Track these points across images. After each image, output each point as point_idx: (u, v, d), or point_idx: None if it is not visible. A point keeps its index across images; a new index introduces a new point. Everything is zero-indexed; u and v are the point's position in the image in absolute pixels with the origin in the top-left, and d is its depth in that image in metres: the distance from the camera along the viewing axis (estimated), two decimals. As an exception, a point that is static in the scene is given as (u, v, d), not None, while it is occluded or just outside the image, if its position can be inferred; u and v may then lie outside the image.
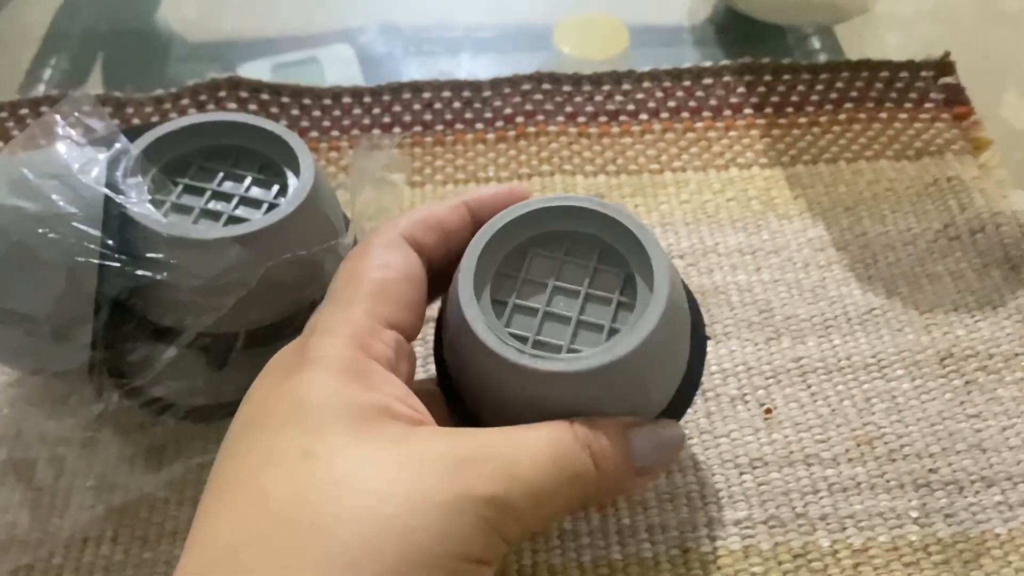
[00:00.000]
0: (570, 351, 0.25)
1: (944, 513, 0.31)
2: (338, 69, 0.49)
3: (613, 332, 0.25)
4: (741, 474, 0.32)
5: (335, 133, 0.43)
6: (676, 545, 0.30)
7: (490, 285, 0.26)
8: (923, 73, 0.45)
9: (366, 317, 0.23)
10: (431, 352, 0.32)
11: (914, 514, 0.31)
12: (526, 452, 0.21)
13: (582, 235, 0.27)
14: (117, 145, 0.30)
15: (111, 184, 0.28)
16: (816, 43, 0.51)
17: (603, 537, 0.30)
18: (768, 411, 0.33)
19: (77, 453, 0.31)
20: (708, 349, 0.30)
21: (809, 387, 0.34)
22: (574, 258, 0.27)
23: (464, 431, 0.22)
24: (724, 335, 0.35)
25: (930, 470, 0.32)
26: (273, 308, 0.30)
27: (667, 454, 0.25)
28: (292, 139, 0.31)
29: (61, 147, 0.29)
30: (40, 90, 0.48)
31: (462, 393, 0.27)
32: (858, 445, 0.32)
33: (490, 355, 0.24)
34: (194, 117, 0.32)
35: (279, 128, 0.32)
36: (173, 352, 0.28)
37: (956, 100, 0.44)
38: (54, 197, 0.27)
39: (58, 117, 0.30)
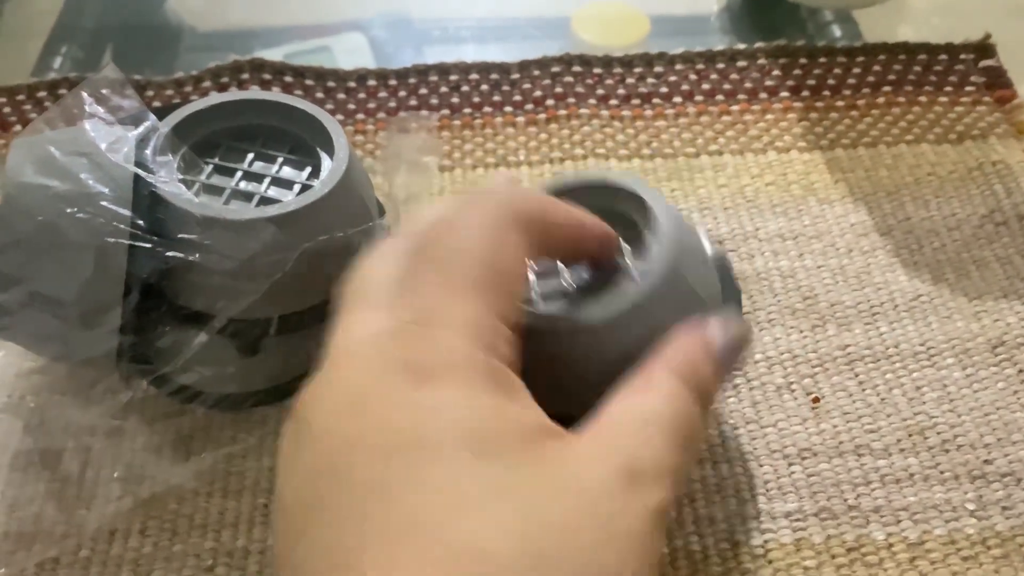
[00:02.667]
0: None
1: (1001, 505, 0.30)
2: (350, 58, 0.48)
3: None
4: (790, 465, 0.31)
5: (360, 116, 0.42)
6: (725, 538, 0.29)
7: None
8: (963, 56, 0.44)
9: (488, 312, 0.20)
10: None
11: (971, 506, 0.30)
12: (661, 438, 0.20)
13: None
14: (146, 123, 0.29)
15: (140, 163, 0.27)
16: (837, 31, 0.50)
17: (648, 530, 0.29)
18: (816, 400, 0.32)
19: (103, 443, 0.30)
20: (752, 336, 0.30)
21: (857, 375, 0.33)
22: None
23: (596, 431, 0.20)
24: (768, 322, 0.34)
25: (985, 461, 0.31)
26: (307, 293, 0.28)
27: (741, 350, 0.24)
28: (325, 119, 0.30)
29: (88, 125, 0.28)
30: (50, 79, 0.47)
31: None
32: (909, 435, 0.31)
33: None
34: (224, 95, 0.31)
35: (312, 107, 0.31)
36: (203, 338, 0.27)
37: (998, 83, 0.43)
38: (82, 176, 0.26)
39: (85, 95, 0.29)
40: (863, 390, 0.32)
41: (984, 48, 0.44)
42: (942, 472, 0.30)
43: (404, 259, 0.21)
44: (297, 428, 0.19)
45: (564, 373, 0.24)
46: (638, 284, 0.24)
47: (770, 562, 0.28)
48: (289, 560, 0.18)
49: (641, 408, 0.20)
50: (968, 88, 0.43)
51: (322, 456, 0.18)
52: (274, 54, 0.47)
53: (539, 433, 0.19)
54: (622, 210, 0.26)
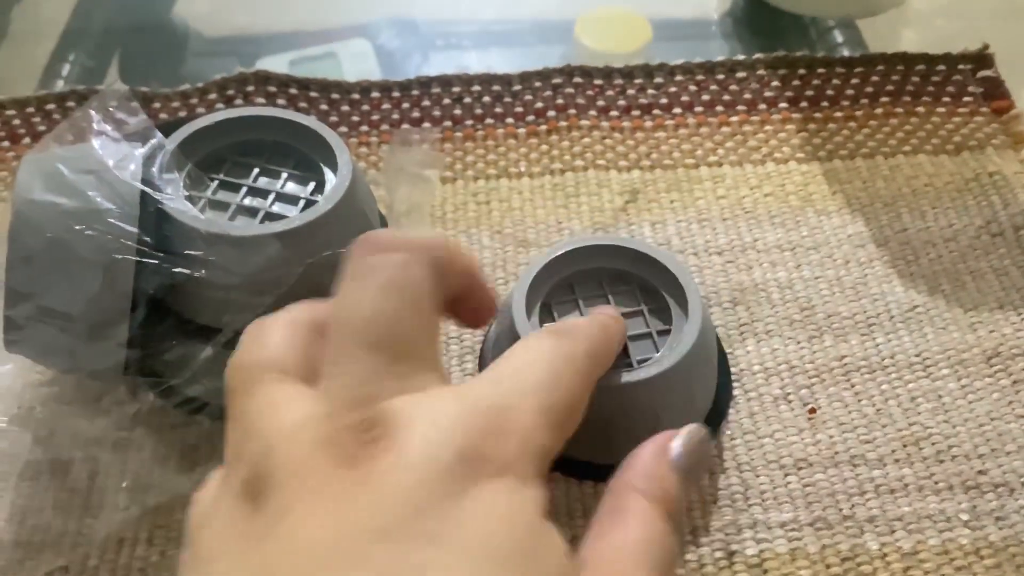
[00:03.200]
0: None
1: (995, 516, 0.30)
2: (355, 64, 0.49)
3: (660, 334, 0.29)
4: (786, 475, 0.31)
5: (364, 128, 0.43)
6: (721, 548, 0.29)
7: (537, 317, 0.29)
8: (960, 66, 0.45)
9: (553, 447, 0.20)
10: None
11: (964, 517, 0.30)
12: (649, 568, 0.20)
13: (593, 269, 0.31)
14: (152, 140, 0.29)
15: (147, 180, 0.28)
16: (839, 37, 0.50)
17: (646, 540, 0.30)
18: (812, 411, 0.33)
19: (111, 454, 0.30)
20: (750, 348, 0.34)
21: (853, 386, 0.33)
22: (587, 290, 0.31)
23: (595, 565, 0.20)
24: (765, 333, 0.35)
25: (979, 472, 0.31)
26: (311, 306, 0.29)
27: (703, 456, 0.24)
28: (328, 134, 0.31)
29: (96, 142, 0.28)
30: (59, 86, 0.47)
31: None
32: (904, 446, 0.32)
33: None
34: (228, 111, 0.31)
35: (315, 123, 0.31)
36: (209, 351, 0.28)
37: (995, 94, 0.43)
38: (90, 193, 0.27)
39: (92, 112, 0.29)
40: (859, 401, 0.33)
41: (982, 58, 0.45)
42: (936, 482, 0.31)
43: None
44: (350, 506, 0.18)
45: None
46: (668, 353, 0.28)
47: (765, 572, 0.29)
48: None
49: (623, 543, 0.21)
50: (966, 99, 0.43)
51: (374, 527, 0.17)
52: (280, 60, 0.47)
53: (567, 556, 0.19)
54: (639, 272, 0.30)
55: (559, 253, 0.30)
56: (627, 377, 0.27)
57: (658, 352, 0.29)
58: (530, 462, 0.19)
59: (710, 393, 0.31)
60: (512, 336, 0.28)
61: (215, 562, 0.17)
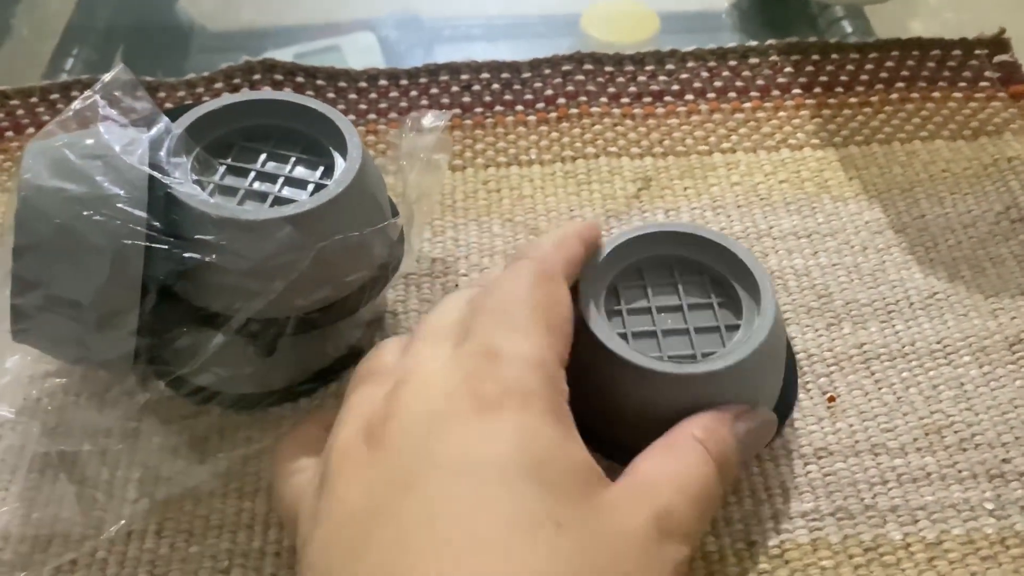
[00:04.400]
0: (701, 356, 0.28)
1: (1020, 504, 0.29)
2: (360, 58, 0.48)
3: (728, 329, 0.29)
4: (806, 464, 0.30)
5: (372, 116, 0.42)
6: (741, 539, 0.29)
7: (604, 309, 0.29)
8: (977, 51, 0.44)
9: (548, 350, 0.22)
10: None
11: (989, 506, 0.29)
12: (688, 501, 0.22)
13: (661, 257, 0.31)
14: (159, 125, 0.29)
15: (155, 164, 0.27)
16: (848, 27, 0.50)
17: (665, 530, 0.29)
18: (831, 399, 0.32)
19: (119, 445, 0.30)
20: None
21: (873, 374, 0.33)
22: (656, 277, 0.30)
23: (632, 484, 0.22)
24: (783, 321, 0.34)
25: (1003, 460, 0.30)
26: (323, 292, 0.28)
27: (763, 438, 0.26)
28: (338, 118, 0.30)
29: (102, 127, 0.28)
30: (63, 80, 0.47)
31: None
32: (926, 434, 0.31)
33: (625, 365, 0.26)
34: (236, 96, 0.31)
35: (324, 107, 0.30)
36: (220, 339, 0.27)
37: (1013, 78, 0.43)
38: (98, 178, 0.26)
39: (98, 97, 0.29)
40: (879, 389, 0.32)
41: (999, 43, 0.44)
42: (959, 471, 0.30)
43: (467, 307, 0.24)
44: (369, 441, 0.21)
45: (639, 410, 0.27)
46: (735, 349, 0.27)
47: (787, 562, 0.28)
48: (351, 555, 0.19)
49: (673, 470, 0.22)
50: (983, 83, 0.43)
51: (396, 470, 0.20)
52: (284, 54, 0.47)
53: (590, 473, 0.20)
54: (712, 263, 0.30)
55: (629, 237, 0.30)
56: (689, 369, 0.26)
57: (724, 347, 0.28)
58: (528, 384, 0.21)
59: (775, 391, 0.30)
60: (575, 317, 0.28)
61: None
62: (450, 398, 0.21)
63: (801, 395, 0.32)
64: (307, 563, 0.20)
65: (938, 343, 0.33)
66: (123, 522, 0.29)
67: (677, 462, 0.22)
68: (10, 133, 0.41)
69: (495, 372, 0.21)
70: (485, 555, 0.18)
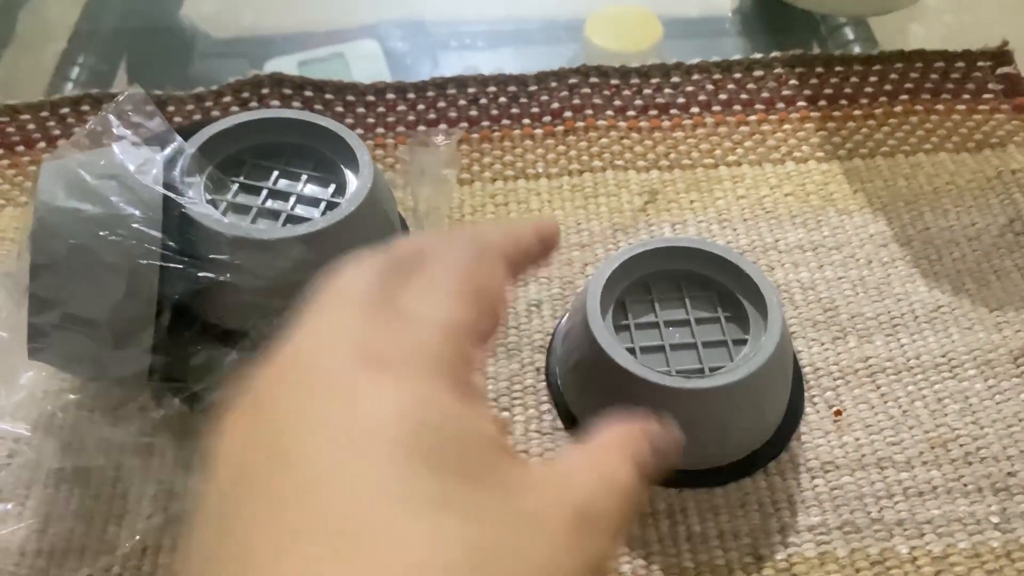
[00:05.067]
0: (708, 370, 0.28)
1: (1026, 518, 0.30)
2: (364, 65, 0.48)
3: (736, 343, 0.29)
4: (813, 478, 0.31)
5: (380, 130, 0.42)
6: (749, 552, 0.29)
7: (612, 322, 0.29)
8: (980, 63, 0.44)
9: (465, 320, 0.20)
10: None
11: (995, 519, 0.30)
12: (611, 496, 0.20)
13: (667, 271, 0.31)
14: (173, 144, 0.29)
15: (169, 184, 0.28)
16: (850, 34, 0.50)
17: (673, 544, 0.29)
18: (838, 413, 0.32)
19: (134, 461, 0.30)
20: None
21: (878, 388, 0.33)
22: (663, 292, 0.31)
23: (554, 469, 0.20)
24: (789, 335, 0.34)
25: (1008, 473, 0.31)
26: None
27: (670, 454, 0.24)
28: (348, 135, 0.31)
29: (117, 148, 0.28)
30: (68, 88, 0.47)
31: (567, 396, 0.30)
32: (932, 448, 0.31)
33: (634, 380, 0.27)
34: (247, 114, 0.31)
35: (334, 124, 0.31)
36: (235, 356, 0.28)
37: (1016, 90, 0.43)
38: (113, 198, 0.26)
39: (112, 117, 0.29)
40: (885, 402, 0.33)
41: (1002, 55, 0.44)
42: (965, 485, 0.30)
43: (384, 269, 0.21)
44: (244, 397, 0.18)
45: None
46: (742, 364, 0.27)
47: (795, 576, 0.29)
48: (221, 524, 0.17)
49: (598, 464, 0.21)
50: (986, 96, 0.43)
51: (266, 428, 0.18)
52: (288, 61, 0.47)
53: (496, 451, 0.18)
54: (719, 278, 0.30)
55: (637, 252, 0.30)
56: (698, 384, 0.27)
57: (732, 361, 0.28)
58: (435, 350, 0.19)
59: (781, 406, 0.30)
60: (583, 331, 0.28)
61: None
62: (337, 356, 0.18)
63: (808, 409, 0.32)
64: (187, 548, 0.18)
65: (943, 356, 0.34)
66: (138, 537, 0.29)
67: (604, 458, 0.21)
68: (21, 147, 0.42)
69: (401, 333, 0.19)
70: (363, 543, 0.16)
